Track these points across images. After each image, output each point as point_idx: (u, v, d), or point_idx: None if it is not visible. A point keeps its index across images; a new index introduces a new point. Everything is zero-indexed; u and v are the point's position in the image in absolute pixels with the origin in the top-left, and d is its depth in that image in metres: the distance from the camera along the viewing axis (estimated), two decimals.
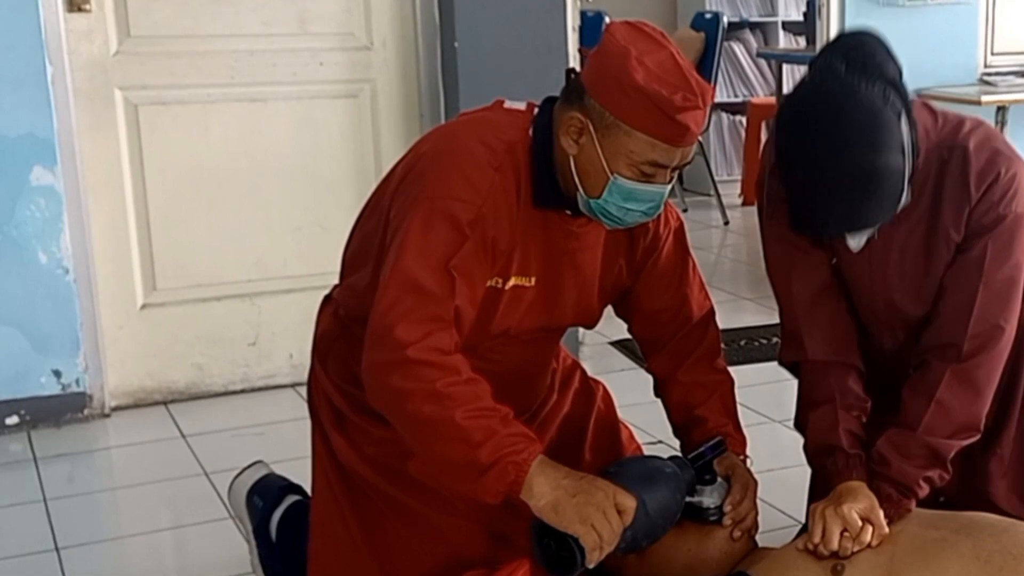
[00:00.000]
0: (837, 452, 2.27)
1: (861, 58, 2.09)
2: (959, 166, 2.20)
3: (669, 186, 2.16)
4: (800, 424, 2.40)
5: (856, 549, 2.14)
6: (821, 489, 2.29)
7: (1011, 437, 2.40)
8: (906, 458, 2.22)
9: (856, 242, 2.19)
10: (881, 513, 2.17)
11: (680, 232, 2.41)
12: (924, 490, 2.23)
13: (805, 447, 2.38)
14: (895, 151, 2.06)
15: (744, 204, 7.14)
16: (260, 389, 4.06)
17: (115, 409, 3.90)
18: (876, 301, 2.34)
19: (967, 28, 4.93)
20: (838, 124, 2.04)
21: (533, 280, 2.23)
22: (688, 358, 2.42)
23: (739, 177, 7.49)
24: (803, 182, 2.10)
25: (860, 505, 2.16)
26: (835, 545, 2.14)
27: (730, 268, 6.02)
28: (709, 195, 7.15)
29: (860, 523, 2.15)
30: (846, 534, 2.15)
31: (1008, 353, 2.26)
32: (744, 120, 7.56)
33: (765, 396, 3.57)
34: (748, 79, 7.87)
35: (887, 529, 2.16)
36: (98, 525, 3.17)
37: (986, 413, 2.26)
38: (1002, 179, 2.19)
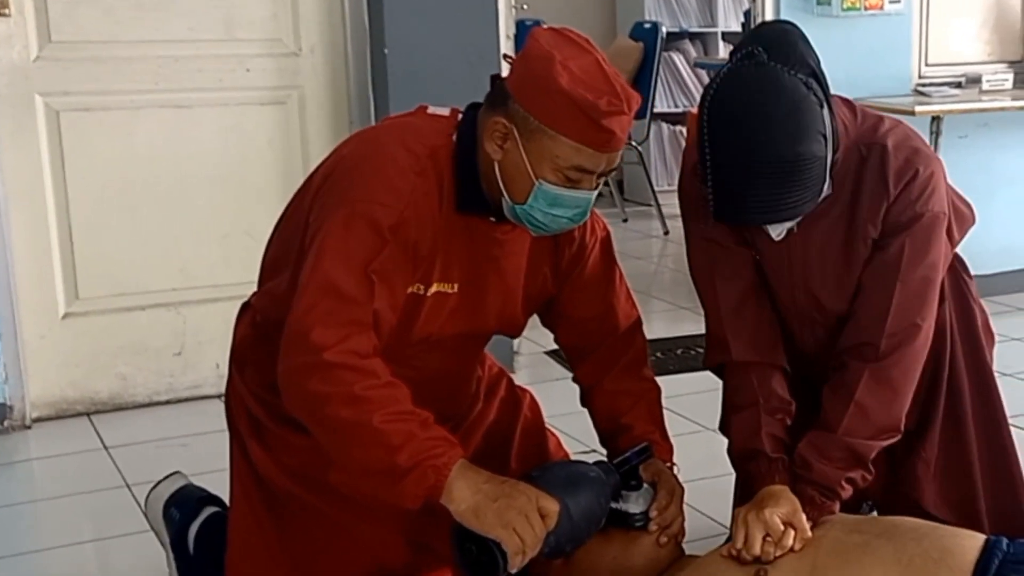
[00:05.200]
0: (760, 456, 2.26)
1: (783, 47, 2.10)
2: (878, 163, 2.22)
3: (595, 192, 2.15)
4: (724, 427, 2.39)
5: (779, 553, 2.13)
6: (745, 494, 2.29)
7: (934, 441, 2.41)
8: (827, 460, 2.22)
9: (777, 231, 2.19)
10: (804, 517, 2.17)
11: (607, 241, 2.40)
12: (847, 491, 2.23)
13: (729, 451, 2.37)
14: (817, 139, 2.07)
15: None
16: (185, 400, 4.01)
17: (36, 420, 3.84)
18: (797, 298, 2.35)
19: (901, 39, 4.96)
20: (762, 112, 2.04)
21: (456, 287, 2.21)
22: (614, 367, 2.41)
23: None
24: (726, 171, 2.08)
25: (782, 509, 2.16)
26: (757, 550, 2.13)
27: (670, 277, 6.02)
28: (649, 205, 7.16)
29: (782, 527, 2.14)
30: (768, 539, 2.14)
31: (926, 353, 2.27)
32: (684, 130, 7.58)
33: (702, 404, 3.56)
34: (688, 89, 7.90)
35: (809, 532, 2.16)
36: (18, 537, 3.12)
37: (907, 415, 2.27)
38: (920, 177, 2.21)
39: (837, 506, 2.23)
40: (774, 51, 2.09)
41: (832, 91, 2.18)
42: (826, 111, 2.10)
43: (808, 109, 2.06)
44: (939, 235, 2.24)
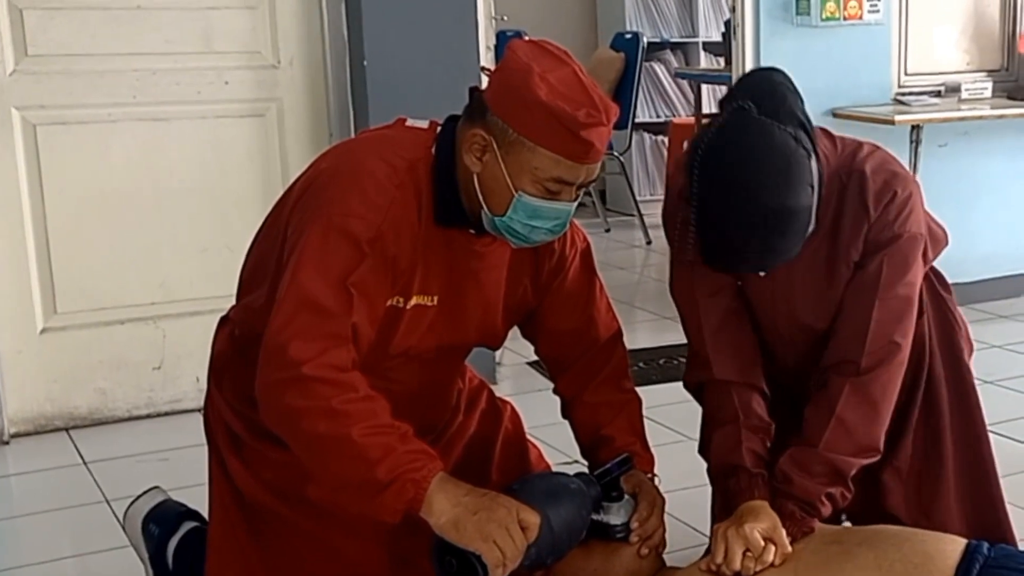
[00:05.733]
0: (740, 471, 2.26)
1: (772, 99, 2.12)
2: (857, 188, 2.24)
3: (575, 204, 2.15)
4: (704, 446, 2.39)
5: (758, 568, 2.13)
6: (723, 509, 2.29)
7: (907, 450, 2.42)
8: (808, 475, 2.22)
9: (764, 272, 2.23)
10: (784, 532, 2.17)
11: (587, 253, 2.40)
12: (827, 507, 2.23)
13: (708, 468, 2.37)
14: (806, 190, 2.10)
15: None
16: (165, 414, 3.99)
17: (15, 436, 3.82)
18: (780, 320, 2.36)
19: (881, 48, 4.97)
20: (753, 168, 2.06)
21: (435, 299, 2.21)
22: (595, 379, 2.41)
23: (661, 197, 7.49)
24: (717, 224, 2.11)
25: (762, 524, 2.16)
26: (737, 565, 2.13)
27: (653, 288, 6.01)
28: (632, 215, 7.15)
29: (762, 543, 2.14)
30: (748, 554, 2.14)
31: (903, 371, 2.28)
32: (666, 140, 7.59)
33: (684, 415, 3.54)
34: (669, 99, 7.91)
35: (789, 548, 2.16)
36: None
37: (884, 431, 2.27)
38: (898, 198, 2.24)
39: (816, 522, 2.23)
40: (764, 103, 2.11)
41: (811, 101, 2.20)
42: (813, 161, 2.13)
43: (797, 163, 2.09)
44: (916, 255, 2.26)
